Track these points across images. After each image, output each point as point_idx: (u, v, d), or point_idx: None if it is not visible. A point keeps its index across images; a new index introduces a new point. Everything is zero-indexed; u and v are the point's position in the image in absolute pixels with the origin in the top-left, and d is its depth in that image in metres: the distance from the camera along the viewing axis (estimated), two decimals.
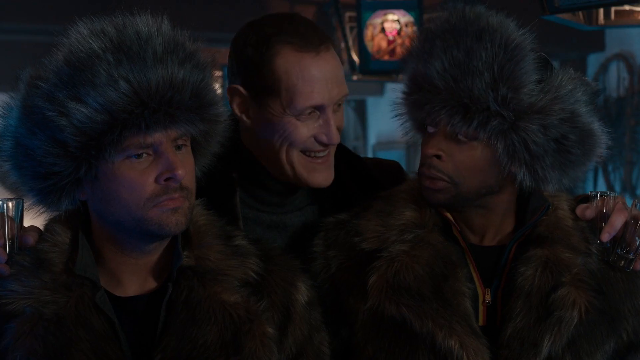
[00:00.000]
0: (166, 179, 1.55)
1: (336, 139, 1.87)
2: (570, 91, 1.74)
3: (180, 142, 1.58)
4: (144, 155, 1.55)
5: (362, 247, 1.81)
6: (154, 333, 1.60)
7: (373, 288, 1.77)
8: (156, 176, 1.55)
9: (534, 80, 1.72)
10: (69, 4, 4.53)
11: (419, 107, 1.76)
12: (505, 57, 1.71)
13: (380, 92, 7.58)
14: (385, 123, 7.95)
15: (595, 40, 5.32)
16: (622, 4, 2.76)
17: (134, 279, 1.64)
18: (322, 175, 1.90)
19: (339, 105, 1.89)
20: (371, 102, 8.19)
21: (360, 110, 8.37)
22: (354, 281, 1.81)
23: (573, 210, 1.84)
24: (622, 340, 1.80)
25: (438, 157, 1.75)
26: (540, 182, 1.74)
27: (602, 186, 5.39)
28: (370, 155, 8.21)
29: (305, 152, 1.87)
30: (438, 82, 1.72)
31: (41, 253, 1.62)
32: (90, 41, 1.54)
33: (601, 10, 2.86)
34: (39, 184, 1.58)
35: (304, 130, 1.85)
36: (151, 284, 1.65)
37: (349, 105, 8.49)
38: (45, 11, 4.94)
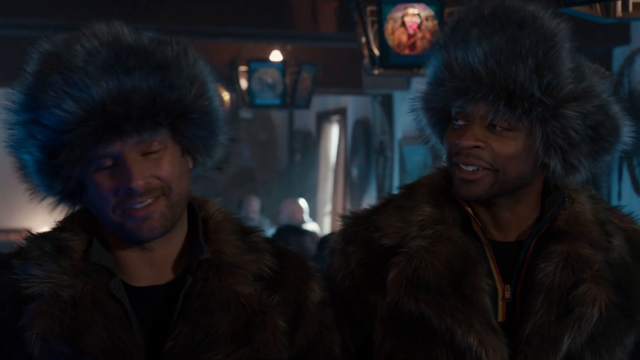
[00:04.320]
0: (127, 189, 1.57)
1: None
2: (599, 80, 1.76)
3: (147, 148, 1.59)
4: (108, 164, 1.58)
5: (382, 243, 1.82)
6: (169, 322, 1.63)
7: (392, 284, 1.77)
8: (117, 186, 1.58)
9: (570, 69, 1.73)
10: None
11: (454, 97, 1.75)
12: (548, 45, 1.71)
13: (406, 86, 7.56)
14: (412, 117, 7.91)
15: (621, 33, 5.27)
16: None
17: (151, 270, 1.68)
18: None
19: None
20: (398, 96, 8.16)
21: (387, 105, 8.35)
22: (374, 277, 1.81)
23: (593, 203, 1.84)
24: None
25: (477, 147, 1.74)
26: (570, 171, 1.75)
27: (627, 180, 5.33)
28: (396, 150, 8.19)
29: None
30: (480, 67, 1.70)
31: (63, 241, 1.66)
32: (37, 64, 1.59)
33: (619, 3, 2.83)
34: (49, 189, 1.65)
35: None
36: (169, 275, 1.68)
37: (376, 99, 8.47)
38: (45, 7, 4.98)
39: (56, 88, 1.56)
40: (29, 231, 1.74)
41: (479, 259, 1.78)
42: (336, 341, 1.78)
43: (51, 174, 1.61)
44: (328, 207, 10.11)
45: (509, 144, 1.74)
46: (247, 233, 1.75)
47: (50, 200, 1.68)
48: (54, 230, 1.71)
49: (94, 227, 1.68)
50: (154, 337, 1.64)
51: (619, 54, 5.39)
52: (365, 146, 8.93)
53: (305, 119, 10.81)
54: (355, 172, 9.18)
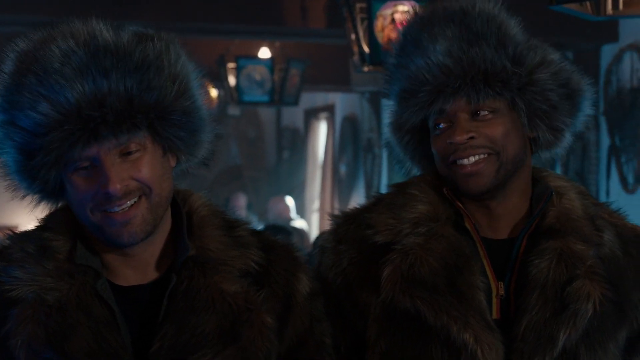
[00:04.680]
0: (105, 193, 1.55)
1: None
2: (549, 47, 1.81)
3: (124, 150, 1.56)
4: (85, 165, 1.55)
5: (375, 240, 1.80)
6: (155, 322, 1.60)
7: (387, 281, 1.76)
8: (96, 189, 1.55)
9: (524, 40, 1.78)
10: None
11: (431, 101, 1.75)
12: (498, 21, 1.77)
13: None
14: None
15: (609, 30, 5.29)
16: None
17: (135, 270, 1.65)
18: None
19: None
20: None
21: (375, 102, 8.35)
22: (366, 275, 1.79)
23: (582, 199, 1.85)
24: (633, 329, 1.81)
25: (471, 138, 1.75)
26: (557, 137, 1.80)
27: (615, 178, 5.35)
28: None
29: None
30: (447, 60, 1.73)
31: (46, 241, 1.63)
32: (14, 63, 1.56)
33: (609, 0, 2.84)
34: (29, 189, 1.63)
35: None
36: (153, 274, 1.66)
37: (364, 96, 8.47)
38: (36, 4, 4.96)
39: (31, 89, 1.53)
40: (11, 230, 1.70)
41: (473, 256, 1.77)
42: (327, 333, 1.76)
43: (29, 175, 1.59)
44: (316, 205, 10.11)
45: (498, 125, 1.75)
46: (233, 227, 1.72)
47: (31, 198, 1.65)
48: (37, 229, 1.68)
49: (77, 225, 1.65)
50: (140, 338, 1.61)
51: (608, 51, 5.40)
52: (353, 143, 8.93)
53: (293, 115, 10.80)
54: (343, 169, 9.18)
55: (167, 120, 1.58)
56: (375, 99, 8.33)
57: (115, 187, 1.54)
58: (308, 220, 9.86)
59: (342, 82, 7.73)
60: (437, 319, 1.72)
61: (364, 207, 1.88)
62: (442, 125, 1.77)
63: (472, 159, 1.75)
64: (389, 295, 1.75)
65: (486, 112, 1.75)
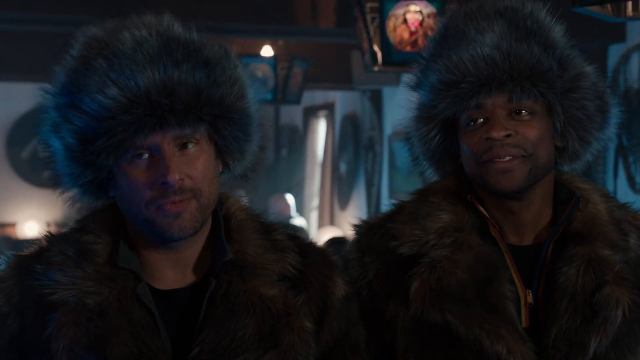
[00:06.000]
0: (163, 183, 1.55)
1: None
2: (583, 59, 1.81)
3: (184, 140, 1.58)
4: (145, 155, 1.56)
5: (400, 252, 1.79)
6: (194, 326, 1.61)
7: (415, 295, 1.75)
8: (154, 179, 1.56)
9: (568, 47, 1.78)
10: None
11: (472, 94, 1.74)
12: (546, 25, 1.77)
13: (396, 82, 7.55)
14: (401, 113, 7.90)
15: (617, 31, 5.29)
16: None
17: (175, 272, 1.66)
18: None
19: None
20: (387, 92, 8.16)
21: (376, 100, 8.34)
22: (394, 287, 1.79)
23: (607, 202, 1.84)
24: None
25: (508, 136, 1.74)
26: (584, 147, 1.79)
27: (622, 177, 5.35)
28: (386, 145, 8.18)
29: None
30: (494, 54, 1.71)
31: (85, 244, 1.63)
32: (82, 48, 1.58)
33: (629, 3, 2.85)
34: (77, 179, 1.63)
35: None
36: (192, 277, 1.66)
37: (365, 95, 8.46)
38: (45, 2, 4.95)
39: (100, 73, 1.54)
40: (49, 232, 1.70)
41: (501, 265, 1.77)
42: (362, 337, 1.75)
43: (83, 162, 1.59)
44: (315, 202, 10.11)
45: (534, 128, 1.75)
46: (270, 231, 1.72)
47: (71, 193, 1.65)
48: (75, 232, 1.68)
49: (118, 227, 1.65)
50: (179, 342, 1.62)
51: (615, 51, 5.41)
52: (353, 141, 8.93)
53: (292, 113, 10.78)
54: (343, 167, 9.18)
55: (228, 118, 1.61)
56: (376, 97, 8.32)
57: (175, 176, 1.55)
58: (307, 218, 9.85)
59: (343, 81, 7.72)
60: (469, 332, 1.71)
61: (387, 216, 1.87)
62: (478, 121, 1.76)
63: (507, 158, 1.74)
64: (419, 310, 1.75)
65: (525, 112, 1.74)
